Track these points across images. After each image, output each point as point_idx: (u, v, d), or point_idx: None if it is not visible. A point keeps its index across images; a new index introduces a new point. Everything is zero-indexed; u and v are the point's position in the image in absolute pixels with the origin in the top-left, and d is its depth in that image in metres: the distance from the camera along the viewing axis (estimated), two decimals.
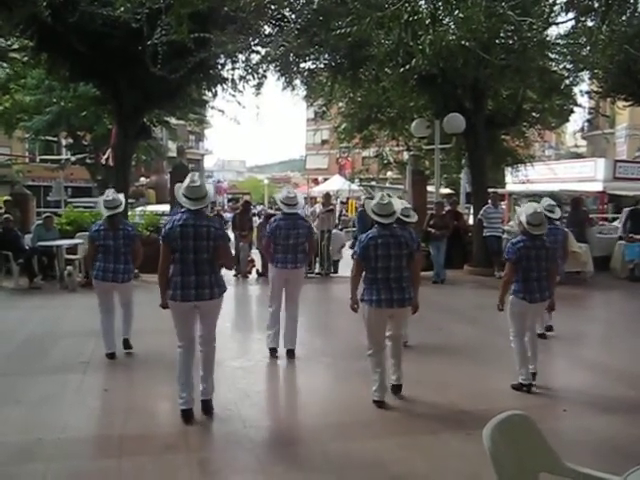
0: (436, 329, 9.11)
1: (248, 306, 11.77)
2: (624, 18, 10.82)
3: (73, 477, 4.48)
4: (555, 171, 24.27)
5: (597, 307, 11.87)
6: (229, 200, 43.77)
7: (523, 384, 6.34)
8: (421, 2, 10.46)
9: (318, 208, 16.13)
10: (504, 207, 19.16)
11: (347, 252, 15.37)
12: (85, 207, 19.88)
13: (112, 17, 11.20)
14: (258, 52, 13.55)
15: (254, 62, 13.01)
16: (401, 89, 14.98)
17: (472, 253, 15.53)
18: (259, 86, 13.48)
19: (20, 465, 4.61)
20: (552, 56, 14.28)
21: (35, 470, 4.50)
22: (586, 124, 27.99)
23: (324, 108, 18.49)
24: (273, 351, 7.70)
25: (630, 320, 10.05)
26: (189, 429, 5.30)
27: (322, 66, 14.91)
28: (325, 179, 43.88)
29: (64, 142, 35.76)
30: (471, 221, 17.01)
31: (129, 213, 14.19)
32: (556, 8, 11.22)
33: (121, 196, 7.73)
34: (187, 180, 5.54)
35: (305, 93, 16.60)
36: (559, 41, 13.43)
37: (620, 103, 19.21)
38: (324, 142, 46.75)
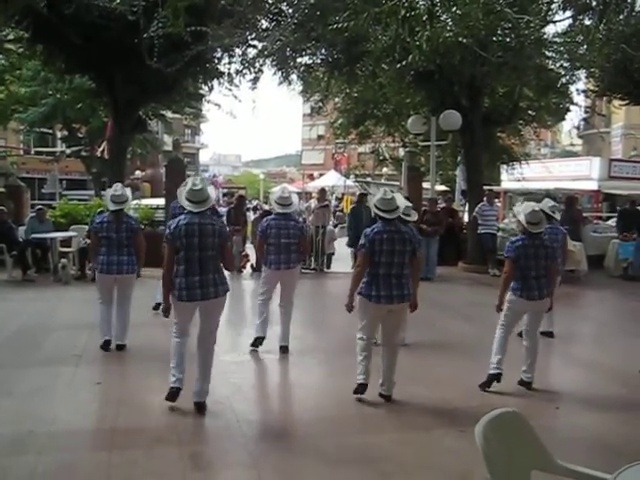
0: (430, 325, 9.11)
1: (242, 301, 11.75)
2: (621, 17, 10.83)
3: (64, 470, 4.46)
4: (550, 169, 24.31)
5: (591, 306, 11.90)
6: (224, 195, 43.68)
7: (492, 374, 6.32)
8: None
9: (313, 203, 16.12)
10: (499, 205, 19.16)
11: (339, 246, 15.42)
12: (79, 200, 19.81)
13: (108, 9, 11.14)
14: (255, 46, 13.54)
15: (251, 56, 13.00)
16: (398, 85, 14.99)
17: (467, 250, 15.54)
18: (255, 80, 13.49)
19: (11, 457, 4.60)
20: (549, 54, 14.30)
21: (26, 462, 4.48)
22: (582, 123, 27.94)
23: (320, 103, 18.45)
24: (259, 339, 7.65)
25: (624, 319, 10.09)
26: (181, 422, 5.30)
27: (319, 61, 14.91)
28: (321, 174, 43.82)
29: (59, 134, 35.64)
30: (466, 218, 17.02)
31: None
32: (553, 6, 11.25)
33: (128, 191, 7.76)
34: (189, 183, 5.58)
35: (301, 88, 16.60)
36: (556, 39, 13.44)
37: (616, 102, 19.22)
38: (320, 137, 46.62)
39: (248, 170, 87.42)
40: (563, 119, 23.30)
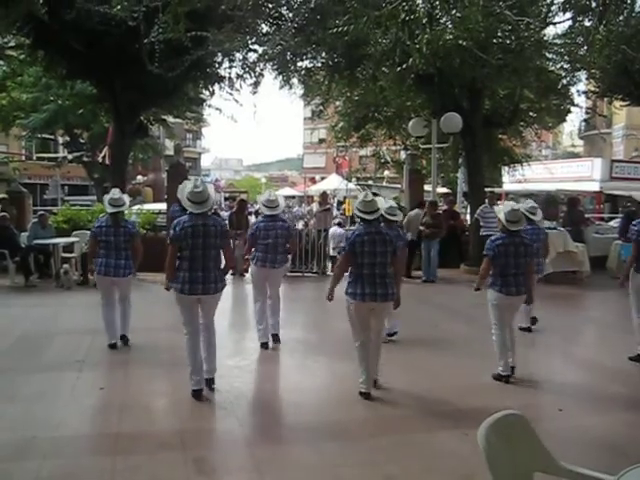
0: (432, 326, 9.14)
1: (244, 305, 11.73)
2: (621, 18, 10.85)
3: (67, 475, 4.47)
4: (552, 171, 24.32)
5: (593, 307, 11.88)
6: (226, 199, 43.71)
7: (502, 375, 6.59)
8: (418, 1, 10.46)
9: (315, 207, 16.12)
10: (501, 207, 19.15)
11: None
12: (82, 205, 19.81)
13: (109, 15, 11.18)
14: (255, 51, 13.56)
15: (251, 61, 13.01)
16: (398, 88, 14.98)
17: (469, 252, 15.53)
18: (256, 85, 13.49)
19: (14, 463, 4.60)
20: (549, 56, 14.29)
21: (29, 468, 4.49)
22: (583, 124, 28.00)
23: (321, 107, 18.45)
24: (264, 345, 7.98)
25: (626, 320, 9.99)
26: (185, 427, 5.30)
27: (319, 65, 14.91)
28: (322, 178, 43.83)
29: (61, 140, 35.65)
30: (468, 220, 17.01)
31: (126, 212, 14.12)
32: (553, 8, 11.26)
33: (126, 197, 8.06)
34: (190, 185, 5.94)
35: (302, 92, 16.60)
36: (556, 41, 13.45)
37: (617, 103, 19.23)
38: (321, 141, 46.66)
39: (250, 174, 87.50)
40: (564, 120, 23.29)
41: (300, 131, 68.47)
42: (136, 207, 17.69)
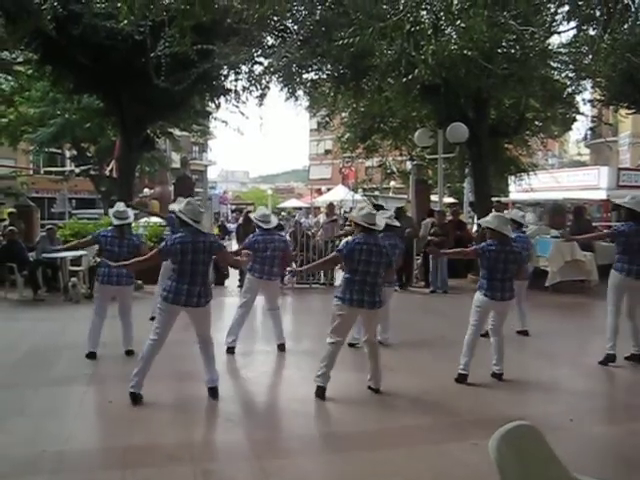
0: (439, 337, 9.10)
1: (251, 317, 11.71)
2: (626, 27, 10.83)
3: None
4: (558, 179, 24.27)
5: (601, 316, 11.79)
6: (233, 211, 43.81)
7: (462, 374, 6.88)
8: (423, 12, 10.50)
9: (322, 218, 16.14)
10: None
11: None
12: (89, 219, 19.88)
13: (115, 30, 11.28)
14: (261, 63, 13.64)
15: (257, 73, 13.05)
16: (404, 99, 15.02)
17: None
18: (262, 97, 13.55)
19: (24, 477, 4.60)
20: (554, 65, 14.31)
21: None
22: (589, 132, 27.96)
23: (327, 118, 18.51)
24: (230, 350, 8.21)
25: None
26: (194, 440, 5.29)
27: (325, 77, 14.96)
28: (328, 189, 43.87)
29: (68, 154, 35.88)
30: (474, 230, 16.99)
31: (133, 225, 14.15)
32: (558, 17, 11.25)
33: (130, 211, 8.35)
34: (183, 203, 6.25)
35: (308, 104, 16.66)
36: (561, 50, 13.46)
37: (623, 111, 19.22)
38: (327, 152, 46.83)
39: (256, 186, 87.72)
40: (570, 129, 23.28)
41: (306, 142, 68.57)
42: (143, 220, 17.75)
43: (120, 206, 8.17)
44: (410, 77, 10.82)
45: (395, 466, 4.76)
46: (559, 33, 12.22)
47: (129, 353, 7.92)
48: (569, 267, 13.11)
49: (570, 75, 15.01)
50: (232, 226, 23.73)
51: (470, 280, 15.09)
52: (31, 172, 37.98)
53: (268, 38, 13.48)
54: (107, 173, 29.31)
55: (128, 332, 8.04)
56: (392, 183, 31.64)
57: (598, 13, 9.89)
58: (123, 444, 5.17)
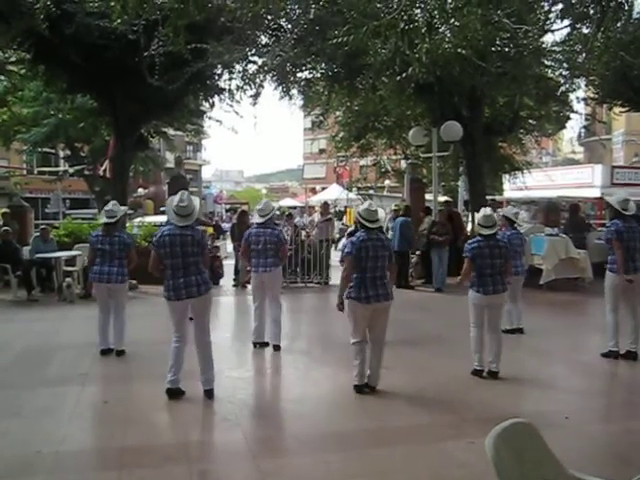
0: (435, 336, 9.10)
1: (247, 316, 11.71)
2: (619, 25, 10.85)
3: None
4: (552, 177, 24.32)
5: (596, 313, 11.82)
6: (227, 210, 43.80)
7: (477, 370, 7.00)
8: (417, 11, 10.49)
9: (316, 217, 16.13)
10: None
11: None
12: (83, 219, 19.82)
13: (109, 29, 11.23)
14: (255, 62, 13.57)
15: (251, 72, 13.01)
16: (398, 98, 15.02)
17: None
18: (256, 96, 13.49)
19: (19, 478, 4.58)
20: (548, 63, 14.33)
21: None
22: (583, 130, 28.03)
23: (321, 117, 18.50)
24: (254, 345, 8.38)
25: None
26: (190, 440, 5.28)
27: (319, 76, 14.93)
28: (323, 188, 43.88)
29: (62, 154, 35.71)
30: (469, 228, 17.00)
31: (127, 224, 14.13)
32: (551, 15, 11.27)
33: (122, 208, 8.45)
34: (176, 198, 6.25)
35: (302, 102, 16.63)
36: (555, 48, 13.47)
37: (616, 109, 19.25)
38: (322, 151, 46.75)
39: (251, 185, 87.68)
40: (564, 127, 23.37)
41: (300, 142, 68.56)
42: (137, 220, 17.72)
43: (110, 205, 8.26)
44: (404, 75, 10.81)
45: (392, 465, 4.76)
46: (553, 31, 12.23)
47: (119, 354, 7.92)
48: (563, 265, 13.13)
49: (564, 73, 15.03)
50: (226, 225, 23.72)
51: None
52: (25, 172, 37.81)
53: (262, 37, 13.45)
54: (101, 173, 29.14)
55: (118, 331, 8.01)
56: (387, 182, 31.63)
57: (592, 11, 9.91)
58: (119, 444, 5.15)
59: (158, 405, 6.12)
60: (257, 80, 13.11)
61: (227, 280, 14.62)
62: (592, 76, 15.33)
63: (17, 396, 6.41)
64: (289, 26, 12.44)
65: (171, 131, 27.34)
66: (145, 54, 10.52)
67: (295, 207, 38.09)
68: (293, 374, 7.57)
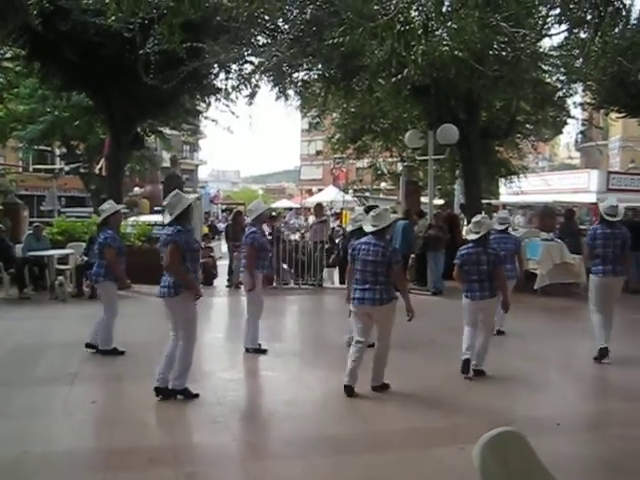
0: (429, 340, 9.06)
1: (240, 317, 11.66)
2: (617, 30, 10.85)
3: None
4: (549, 182, 24.34)
5: (590, 319, 11.80)
6: (223, 210, 43.72)
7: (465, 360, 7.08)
8: (414, 13, 10.46)
9: (312, 219, 16.09)
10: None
11: None
12: (78, 217, 19.72)
13: (105, 27, 11.18)
14: (251, 62, 13.54)
15: (247, 72, 12.98)
16: (395, 100, 14.98)
17: None
18: (252, 96, 13.46)
19: (4, 478, 4.52)
20: (545, 68, 14.32)
21: None
22: (579, 136, 28.05)
23: (318, 119, 18.45)
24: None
25: (621, 332, 9.99)
26: (177, 442, 5.22)
27: (315, 77, 14.89)
28: (319, 190, 43.84)
29: (58, 152, 35.66)
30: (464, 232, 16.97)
31: (122, 223, 14.06)
32: (549, 20, 11.25)
33: (115, 206, 8.41)
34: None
35: (299, 103, 16.58)
36: (552, 53, 13.47)
37: (613, 115, 19.26)
38: (318, 153, 46.71)
39: (247, 186, 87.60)
40: (561, 132, 23.36)
41: (297, 143, 68.55)
42: (132, 219, 17.65)
43: (104, 204, 8.47)
44: (400, 77, 10.78)
45: (382, 471, 4.70)
46: (550, 36, 12.22)
47: (87, 346, 7.92)
48: (558, 270, 13.10)
49: (561, 78, 15.05)
50: (222, 225, 23.67)
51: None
52: (20, 169, 37.71)
53: (259, 37, 13.41)
54: (97, 171, 29.12)
55: (96, 326, 7.97)
56: (383, 184, 31.60)
57: (589, 16, 9.89)
58: (106, 446, 5.10)
59: (147, 406, 6.06)
60: (253, 80, 13.08)
61: (221, 280, 14.57)
62: (589, 81, 15.35)
63: (5, 395, 6.34)
64: (286, 26, 12.41)
65: (167, 130, 27.31)
66: (140, 52, 10.48)
67: (291, 208, 38.09)
68: (285, 376, 7.50)
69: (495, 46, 12.12)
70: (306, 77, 14.84)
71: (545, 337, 9.49)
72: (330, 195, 34.27)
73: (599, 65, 11.59)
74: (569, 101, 17.11)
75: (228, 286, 14.17)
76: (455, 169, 20.24)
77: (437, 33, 10.71)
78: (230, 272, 14.19)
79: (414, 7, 9.13)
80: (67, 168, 32.28)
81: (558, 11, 10.71)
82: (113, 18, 10.17)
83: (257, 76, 12.88)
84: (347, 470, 4.74)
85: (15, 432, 5.37)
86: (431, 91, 13.92)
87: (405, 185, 17.45)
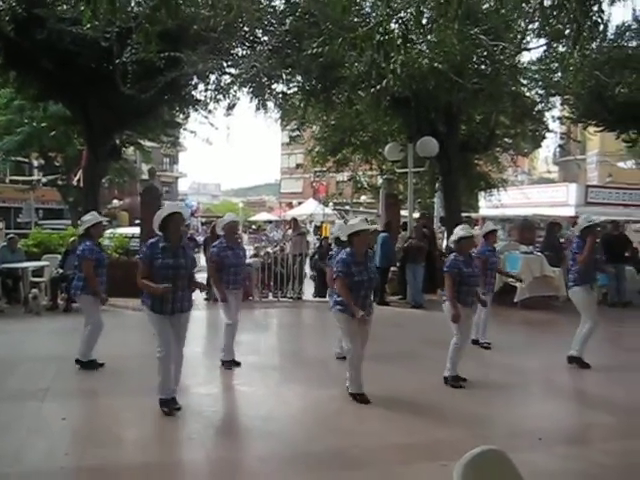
0: (408, 352, 8.97)
1: (218, 331, 11.49)
2: (594, 45, 10.93)
3: None
4: (528, 196, 24.48)
5: (572, 332, 11.77)
6: (203, 224, 43.47)
7: (459, 377, 7.23)
8: (394, 26, 10.43)
9: (290, 232, 15.99)
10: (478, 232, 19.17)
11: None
12: (53, 229, 19.42)
13: (81, 35, 11.04)
14: (230, 73, 13.45)
15: (226, 83, 12.89)
16: (374, 112, 14.97)
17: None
18: (231, 107, 13.37)
19: None
20: (524, 81, 14.41)
21: None
22: (558, 150, 28.30)
23: (297, 131, 18.40)
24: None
25: (602, 346, 9.98)
26: (150, 460, 5.05)
27: (295, 89, 14.84)
28: (299, 203, 43.83)
29: (35, 163, 35.29)
30: (444, 245, 16.95)
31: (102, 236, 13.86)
32: (528, 33, 11.32)
33: (94, 218, 8.19)
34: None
35: (278, 116, 16.51)
36: (531, 67, 13.55)
37: (591, 129, 19.40)
38: (298, 166, 46.79)
39: (228, 199, 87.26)
40: (539, 146, 23.52)
41: (278, 156, 68.61)
42: (109, 231, 17.41)
43: (85, 216, 8.35)
44: (379, 88, 10.74)
45: None
46: (529, 49, 12.31)
47: (77, 362, 7.74)
48: (538, 283, 13.10)
49: (540, 92, 15.14)
50: (201, 238, 23.48)
51: (440, 295, 15.02)
52: None
53: (238, 48, 13.33)
54: (75, 183, 28.82)
55: (81, 340, 7.80)
56: (363, 197, 31.62)
57: (568, 30, 9.94)
58: (75, 464, 4.93)
59: (119, 422, 5.89)
60: (232, 91, 12.99)
61: (199, 294, 14.36)
62: (567, 95, 15.45)
63: None
64: (265, 37, 12.35)
65: (147, 143, 27.13)
66: (118, 61, 10.37)
67: (270, 221, 37.97)
68: (262, 391, 7.34)
69: (475, 59, 12.18)
70: (286, 89, 14.80)
71: (526, 350, 9.44)
72: (310, 208, 34.27)
73: (577, 79, 11.66)
74: (548, 115, 17.25)
75: (206, 299, 13.97)
76: (435, 182, 20.27)
77: (417, 45, 10.72)
78: (208, 285, 13.97)
79: (394, 19, 9.11)
80: (45, 180, 31.95)
81: (537, 25, 10.78)
82: (89, 26, 10.05)
83: (236, 87, 12.79)
84: None
85: None
86: (411, 103, 13.92)
87: (385, 198, 17.40)
